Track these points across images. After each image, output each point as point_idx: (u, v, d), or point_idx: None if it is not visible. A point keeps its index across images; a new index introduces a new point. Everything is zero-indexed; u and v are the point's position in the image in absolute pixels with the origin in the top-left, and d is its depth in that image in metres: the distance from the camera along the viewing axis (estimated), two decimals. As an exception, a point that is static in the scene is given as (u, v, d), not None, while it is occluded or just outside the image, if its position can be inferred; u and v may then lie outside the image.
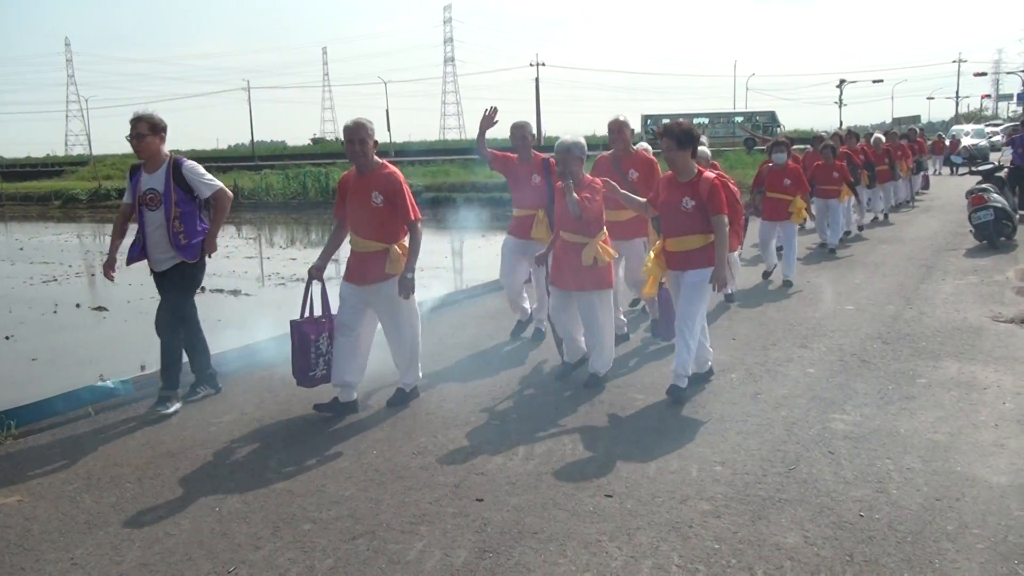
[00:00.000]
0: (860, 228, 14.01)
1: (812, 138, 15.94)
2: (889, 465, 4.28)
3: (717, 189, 5.26)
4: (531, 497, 4.03)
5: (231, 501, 4.10)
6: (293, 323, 5.31)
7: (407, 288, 5.14)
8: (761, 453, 4.49)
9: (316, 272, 5.35)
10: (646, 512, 3.83)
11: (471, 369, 6.39)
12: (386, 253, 5.20)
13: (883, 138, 16.29)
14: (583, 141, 5.63)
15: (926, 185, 21.53)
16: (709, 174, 5.34)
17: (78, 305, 11.21)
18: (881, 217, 15.72)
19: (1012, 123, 47.85)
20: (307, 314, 5.35)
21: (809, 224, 12.20)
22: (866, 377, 5.81)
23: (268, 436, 5.02)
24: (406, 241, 5.27)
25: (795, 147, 16.18)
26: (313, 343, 5.27)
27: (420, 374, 5.65)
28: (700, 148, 7.27)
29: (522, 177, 6.87)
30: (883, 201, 15.87)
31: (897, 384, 5.63)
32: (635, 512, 3.83)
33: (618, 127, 6.79)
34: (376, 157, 5.25)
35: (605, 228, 5.75)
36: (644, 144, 7.39)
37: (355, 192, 5.27)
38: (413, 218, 5.19)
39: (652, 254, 5.63)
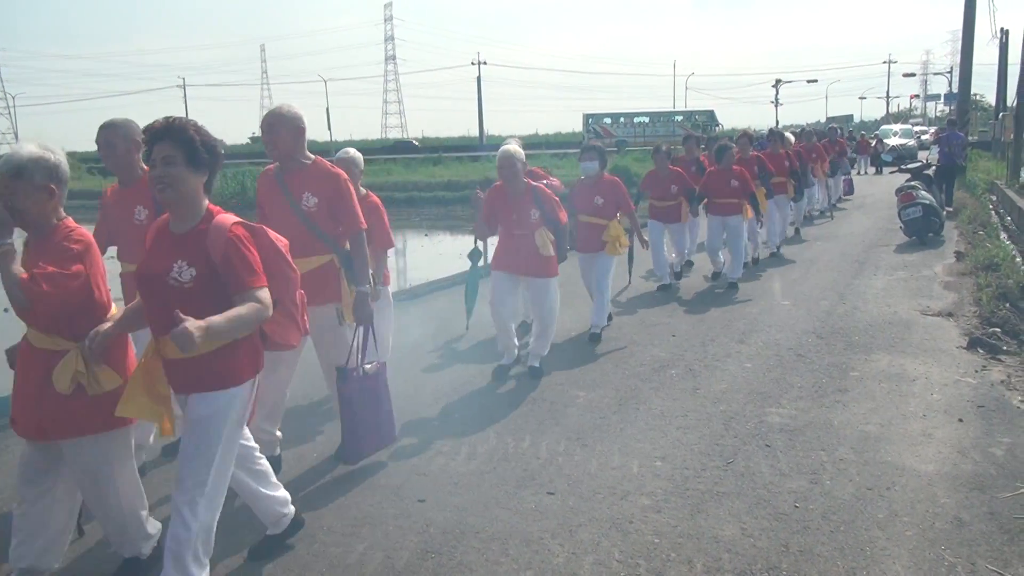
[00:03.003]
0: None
1: (708, 138, 13.24)
2: (823, 456, 4.39)
3: (240, 244, 2.94)
4: (473, 497, 4.03)
5: (165, 508, 4.00)
6: None
7: None
8: (700, 447, 4.57)
9: None
10: (587, 509, 3.86)
11: (413, 370, 6.36)
12: None
13: (792, 138, 13.58)
14: (53, 157, 3.06)
15: (849, 190, 19.47)
16: (228, 217, 3.00)
17: (6, 310, 10.83)
18: (790, 232, 12.90)
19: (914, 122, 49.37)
20: None
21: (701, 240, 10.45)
22: (801, 371, 5.94)
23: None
24: None
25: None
26: None
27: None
28: (509, 149, 5.79)
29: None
30: (792, 213, 12.84)
31: (831, 377, 5.77)
32: (577, 509, 3.86)
33: (267, 125, 4.16)
34: None
35: (120, 313, 3.23)
36: (349, 151, 5.40)
37: None
38: None
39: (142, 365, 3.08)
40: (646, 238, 7.47)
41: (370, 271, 4.36)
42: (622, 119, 55.24)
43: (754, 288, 9.22)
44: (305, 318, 3.39)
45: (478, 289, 7.23)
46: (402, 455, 4.61)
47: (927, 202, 12.08)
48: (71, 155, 58.87)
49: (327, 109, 57.73)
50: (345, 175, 4.29)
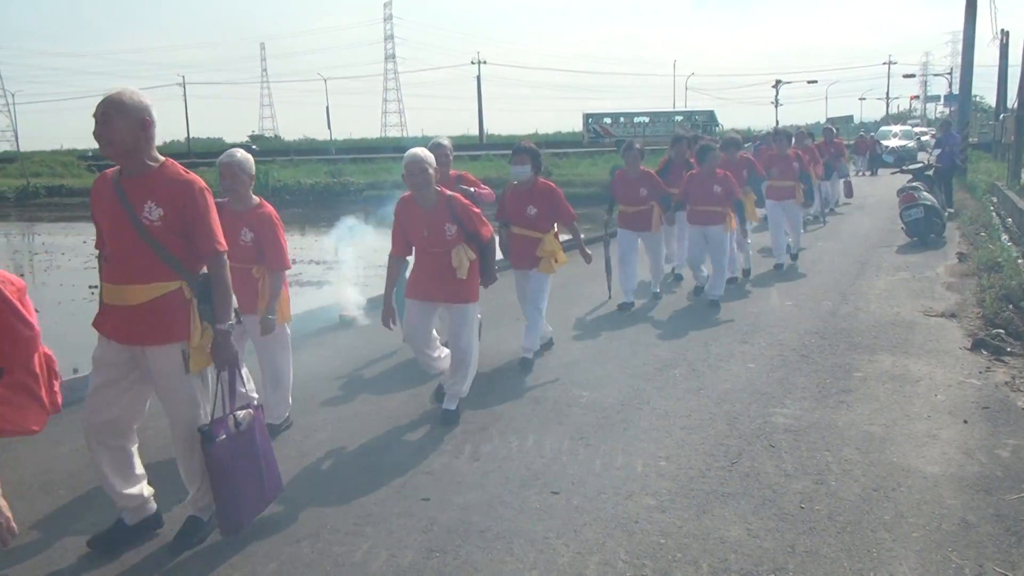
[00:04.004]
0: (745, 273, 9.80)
1: (671, 137, 10.33)
2: (828, 457, 4.38)
3: None
4: (477, 496, 4.01)
5: (169, 505, 3.99)
6: None
7: None
8: (704, 447, 4.55)
9: None
10: (592, 508, 3.84)
11: (414, 368, 6.34)
12: None
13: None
14: None
15: (849, 193, 18.67)
16: None
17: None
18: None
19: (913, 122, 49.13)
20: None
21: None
22: (805, 371, 5.92)
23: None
24: None
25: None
26: None
27: None
28: (417, 153, 4.92)
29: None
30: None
31: (834, 378, 5.75)
32: (581, 509, 3.84)
33: (100, 115, 3.26)
34: None
35: None
36: (236, 152, 4.80)
37: None
38: None
39: None
40: (589, 251, 6.47)
41: (233, 304, 3.53)
42: (622, 119, 55.28)
43: (756, 288, 9.20)
44: (55, 390, 2.58)
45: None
46: (405, 453, 4.59)
47: (929, 203, 12.08)
48: (70, 152, 58.86)
49: (327, 108, 57.74)
50: (201, 183, 3.41)
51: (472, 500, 3.96)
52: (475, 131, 66.83)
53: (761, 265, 10.59)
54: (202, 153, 57.65)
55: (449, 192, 5.07)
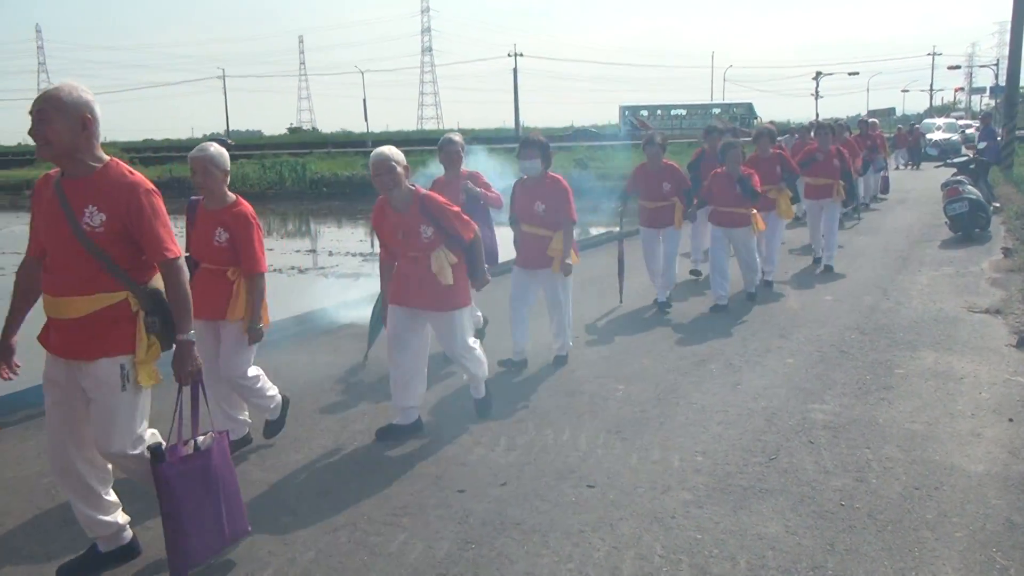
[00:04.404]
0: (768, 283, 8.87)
1: (705, 128, 10.20)
2: (868, 454, 4.31)
3: None
4: (513, 488, 4.01)
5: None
6: None
7: None
8: (742, 443, 4.51)
9: None
10: (628, 503, 3.83)
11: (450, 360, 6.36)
12: None
13: (812, 134, 11.35)
14: None
15: (885, 188, 17.86)
16: None
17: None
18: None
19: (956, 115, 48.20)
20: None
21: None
22: (845, 367, 5.84)
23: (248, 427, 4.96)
24: None
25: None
26: None
27: None
28: (384, 151, 4.64)
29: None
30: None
31: (875, 374, 5.67)
32: (617, 503, 3.83)
33: (36, 112, 3.01)
34: None
35: None
36: (209, 147, 4.27)
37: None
38: None
39: None
40: (570, 261, 5.89)
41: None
42: (659, 111, 55.00)
43: (794, 283, 9.09)
44: None
45: None
46: (441, 445, 4.61)
47: (974, 197, 11.83)
48: (113, 145, 59.85)
49: (364, 100, 58.05)
50: (147, 184, 3.15)
51: (508, 492, 3.97)
52: (511, 123, 66.84)
53: (799, 262, 10.47)
54: (241, 145, 58.35)
55: (424, 191, 4.67)
